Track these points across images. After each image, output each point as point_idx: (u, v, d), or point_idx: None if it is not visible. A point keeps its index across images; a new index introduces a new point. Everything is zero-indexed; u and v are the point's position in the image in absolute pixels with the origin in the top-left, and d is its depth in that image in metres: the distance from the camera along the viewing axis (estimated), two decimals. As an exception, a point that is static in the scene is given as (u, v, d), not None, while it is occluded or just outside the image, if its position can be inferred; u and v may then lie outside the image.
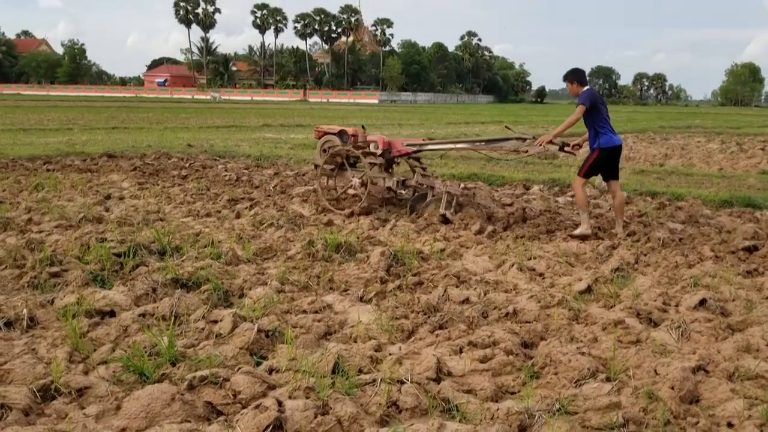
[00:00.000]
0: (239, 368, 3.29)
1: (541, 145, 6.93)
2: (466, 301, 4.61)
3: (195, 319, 4.11)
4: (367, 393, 3.11)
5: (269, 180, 10.47)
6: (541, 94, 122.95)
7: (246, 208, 8.02)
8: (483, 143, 7.75)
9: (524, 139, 7.17)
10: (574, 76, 6.95)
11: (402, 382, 3.18)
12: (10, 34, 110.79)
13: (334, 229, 6.88)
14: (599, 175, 7.14)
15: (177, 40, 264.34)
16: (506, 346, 3.73)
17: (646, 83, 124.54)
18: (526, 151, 7.23)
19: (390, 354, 3.62)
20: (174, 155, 13.53)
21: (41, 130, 19.92)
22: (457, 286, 4.96)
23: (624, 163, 14.04)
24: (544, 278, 5.39)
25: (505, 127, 8.47)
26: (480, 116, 39.40)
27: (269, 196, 9.05)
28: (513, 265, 5.54)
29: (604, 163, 6.89)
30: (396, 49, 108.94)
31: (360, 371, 3.40)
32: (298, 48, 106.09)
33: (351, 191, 8.23)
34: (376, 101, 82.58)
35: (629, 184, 10.09)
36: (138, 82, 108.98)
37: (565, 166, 12.89)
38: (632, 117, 42.71)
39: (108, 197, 8.73)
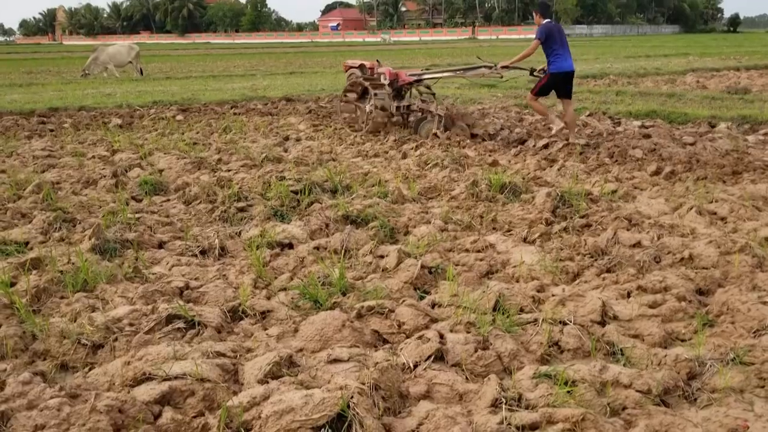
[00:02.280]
0: (403, 301, 3.45)
1: (500, 70, 8.47)
2: (638, 244, 4.42)
3: (363, 254, 4.35)
4: (528, 332, 3.14)
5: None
6: (735, 22, 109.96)
7: (412, 148, 8.18)
8: (463, 72, 9.23)
9: (490, 67, 8.66)
10: (540, 8, 8.14)
11: (564, 323, 3.17)
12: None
13: (499, 169, 6.83)
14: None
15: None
16: (679, 292, 3.56)
17: None
18: (501, 76, 8.75)
19: (553, 295, 3.60)
20: (346, 98, 13.99)
21: (228, 77, 21.44)
22: (628, 229, 4.76)
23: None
24: (726, 223, 5.01)
25: (477, 57, 10.52)
26: (663, 48, 36.35)
27: (436, 136, 9.14)
28: (692, 209, 5.19)
29: (556, 85, 8.11)
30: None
31: (521, 310, 3.43)
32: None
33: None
34: (548, 36, 78.81)
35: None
36: (313, 27, 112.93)
37: (758, 102, 11.63)
38: None
39: (286, 139, 9.31)
